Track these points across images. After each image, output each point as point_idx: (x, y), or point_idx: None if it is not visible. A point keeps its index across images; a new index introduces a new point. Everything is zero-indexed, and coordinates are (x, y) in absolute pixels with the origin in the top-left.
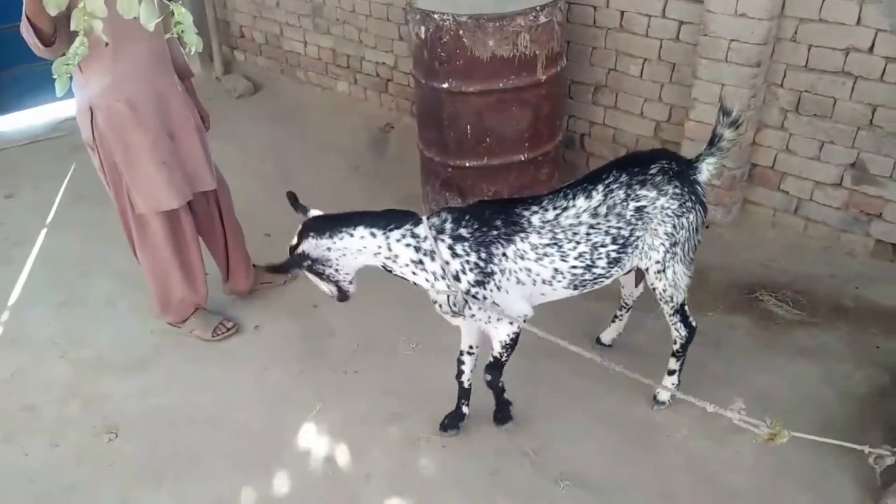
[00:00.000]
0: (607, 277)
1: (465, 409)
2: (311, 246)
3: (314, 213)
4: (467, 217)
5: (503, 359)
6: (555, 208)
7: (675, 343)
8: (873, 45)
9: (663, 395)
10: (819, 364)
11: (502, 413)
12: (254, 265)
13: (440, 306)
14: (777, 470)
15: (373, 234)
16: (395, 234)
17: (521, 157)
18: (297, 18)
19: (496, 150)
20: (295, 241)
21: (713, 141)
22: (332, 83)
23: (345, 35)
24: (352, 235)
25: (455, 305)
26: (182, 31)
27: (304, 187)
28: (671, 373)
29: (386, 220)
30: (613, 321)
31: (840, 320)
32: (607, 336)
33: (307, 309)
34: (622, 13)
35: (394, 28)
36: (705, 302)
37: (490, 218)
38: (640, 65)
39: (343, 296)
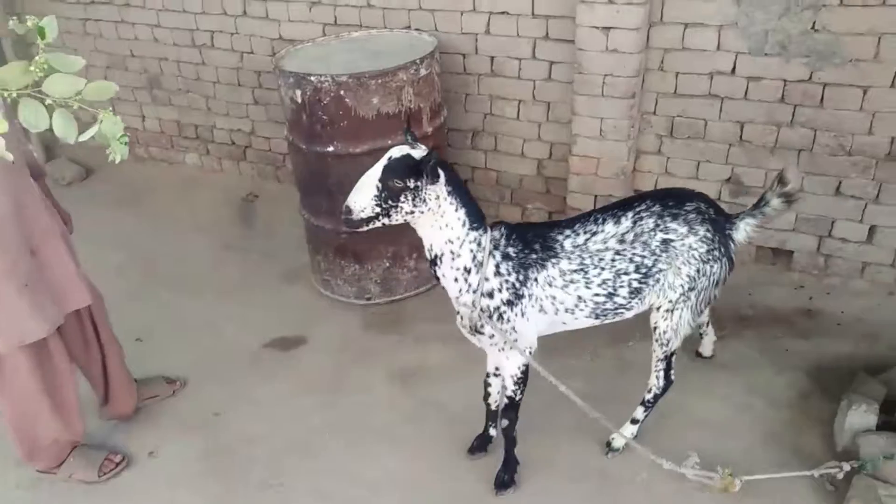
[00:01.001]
0: (628, 309)
1: (493, 432)
2: (438, 182)
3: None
4: (514, 237)
5: (517, 398)
6: (585, 232)
7: (650, 392)
8: (734, 67)
9: (618, 442)
10: (740, 375)
11: (508, 473)
12: (135, 379)
13: (461, 318)
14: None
15: (462, 223)
16: (473, 234)
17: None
18: (130, 92)
19: None
20: (432, 162)
21: (759, 203)
22: (179, 156)
23: (190, 104)
24: (455, 211)
25: (472, 321)
26: (110, 141)
27: (171, 276)
28: (634, 421)
29: (472, 217)
30: (702, 336)
31: (745, 329)
32: (706, 349)
33: (207, 419)
34: (492, 58)
35: (247, 92)
36: (623, 333)
37: (532, 241)
38: (515, 107)
39: (353, 223)
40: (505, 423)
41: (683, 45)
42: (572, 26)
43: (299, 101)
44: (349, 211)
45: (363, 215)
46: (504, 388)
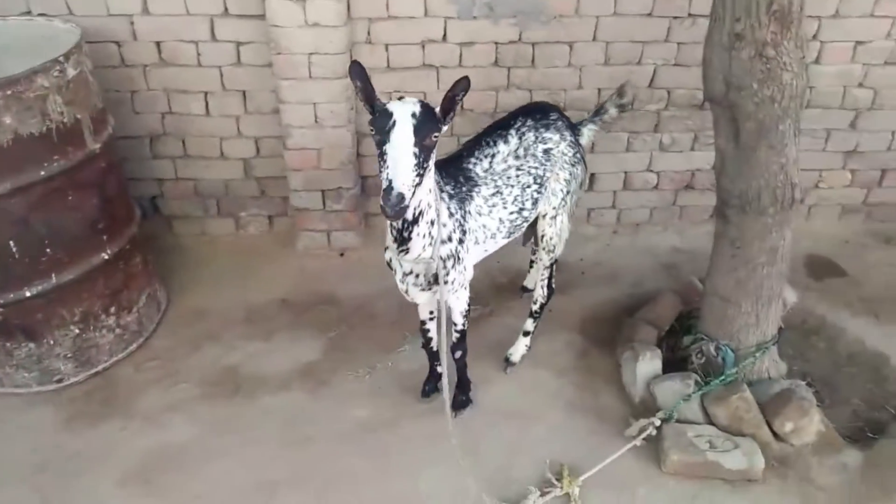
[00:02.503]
0: (527, 221)
1: (438, 369)
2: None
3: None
4: (444, 174)
5: (465, 326)
6: (486, 157)
7: (536, 303)
8: (445, 33)
9: (516, 357)
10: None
11: (464, 394)
12: None
13: (416, 277)
14: None
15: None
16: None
17: (103, 255)
18: None
19: (66, 261)
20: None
21: (599, 111)
22: None
23: None
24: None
25: (429, 274)
26: None
27: None
28: (526, 334)
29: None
30: (531, 266)
31: (508, 301)
32: (530, 281)
33: None
34: (158, 44)
35: None
36: (390, 340)
37: (456, 175)
38: (202, 100)
39: (405, 211)
40: (458, 353)
41: (389, 12)
42: None
43: None
44: (401, 198)
45: (412, 193)
46: (454, 324)
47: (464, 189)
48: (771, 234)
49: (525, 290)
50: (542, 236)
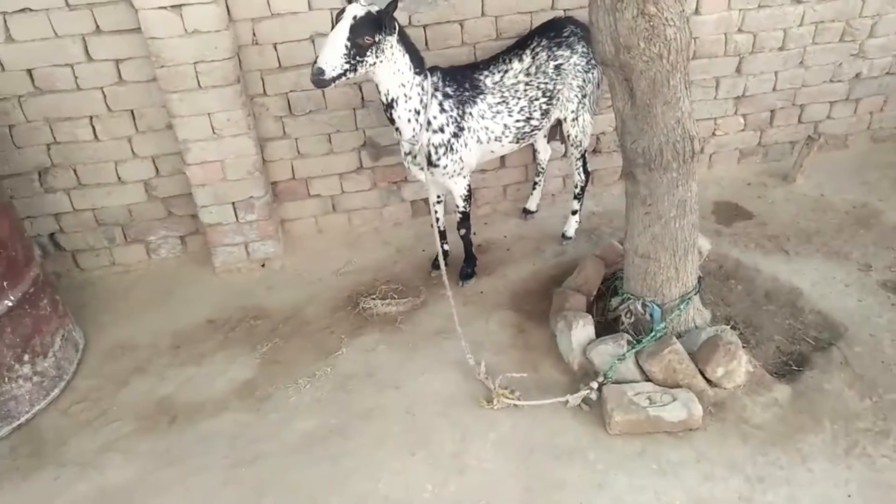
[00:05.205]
0: (539, 129)
1: (446, 247)
2: (390, 33)
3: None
4: (448, 79)
5: (468, 209)
6: (498, 71)
7: (577, 187)
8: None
9: (570, 231)
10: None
11: (469, 267)
12: None
13: (414, 157)
14: None
15: (409, 67)
16: (418, 79)
17: (6, 302)
18: None
19: None
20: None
21: None
22: None
23: None
24: (403, 56)
25: (424, 156)
26: None
27: None
28: (574, 212)
29: (417, 62)
30: (534, 188)
31: (441, 287)
32: (532, 203)
33: None
34: (30, 72)
35: None
36: (327, 345)
37: (462, 81)
38: (88, 125)
39: (324, 83)
40: (462, 231)
41: (272, 10)
42: (130, 12)
43: None
44: (321, 72)
45: (334, 73)
46: (456, 206)
47: (466, 94)
48: (678, 188)
49: (527, 212)
50: (568, 136)
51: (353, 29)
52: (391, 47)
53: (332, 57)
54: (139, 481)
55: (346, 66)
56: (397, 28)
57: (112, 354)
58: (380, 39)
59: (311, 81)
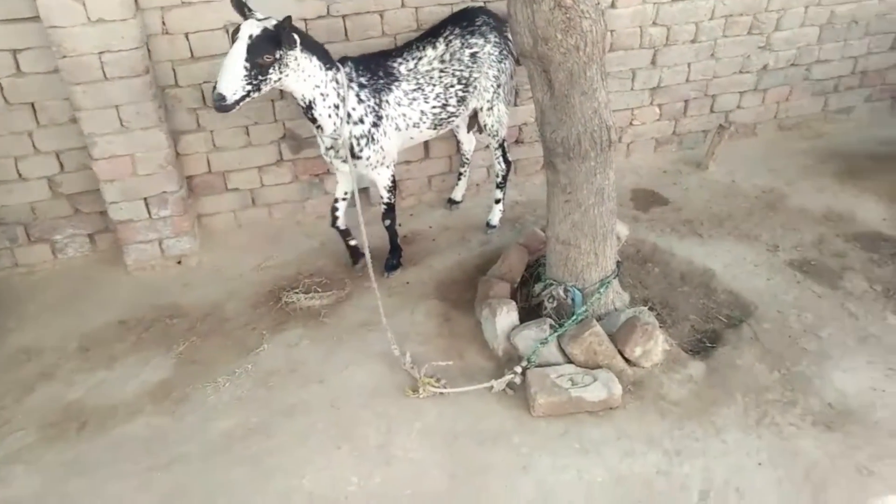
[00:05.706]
0: (457, 116)
1: (353, 242)
2: (291, 48)
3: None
4: (361, 68)
5: (392, 201)
6: (412, 59)
7: (498, 176)
8: None
9: (495, 220)
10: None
11: (395, 258)
12: None
13: (336, 151)
14: None
15: (319, 68)
16: (330, 74)
17: None
18: None
19: None
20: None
21: None
22: None
23: None
24: (311, 62)
25: (346, 149)
26: None
27: None
28: (497, 201)
29: (325, 59)
30: (459, 179)
31: (362, 282)
32: (458, 194)
33: None
34: None
35: None
36: (247, 342)
37: (375, 69)
38: None
39: (227, 108)
40: (388, 222)
41: None
42: (28, 0)
43: None
44: (222, 98)
45: (236, 97)
46: (381, 197)
47: (381, 81)
48: (596, 177)
49: (452, 202)
50: (485, 125)
51: (250, 49)
52: (295, 59)
53: (232, 81)
54: (46, 493)
55: (249, 88)
56: (297, 40)
57: (16, 360)
58: (281, 55)
59: (213, 107)
